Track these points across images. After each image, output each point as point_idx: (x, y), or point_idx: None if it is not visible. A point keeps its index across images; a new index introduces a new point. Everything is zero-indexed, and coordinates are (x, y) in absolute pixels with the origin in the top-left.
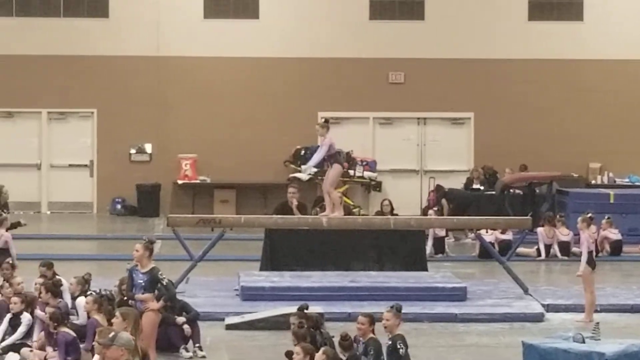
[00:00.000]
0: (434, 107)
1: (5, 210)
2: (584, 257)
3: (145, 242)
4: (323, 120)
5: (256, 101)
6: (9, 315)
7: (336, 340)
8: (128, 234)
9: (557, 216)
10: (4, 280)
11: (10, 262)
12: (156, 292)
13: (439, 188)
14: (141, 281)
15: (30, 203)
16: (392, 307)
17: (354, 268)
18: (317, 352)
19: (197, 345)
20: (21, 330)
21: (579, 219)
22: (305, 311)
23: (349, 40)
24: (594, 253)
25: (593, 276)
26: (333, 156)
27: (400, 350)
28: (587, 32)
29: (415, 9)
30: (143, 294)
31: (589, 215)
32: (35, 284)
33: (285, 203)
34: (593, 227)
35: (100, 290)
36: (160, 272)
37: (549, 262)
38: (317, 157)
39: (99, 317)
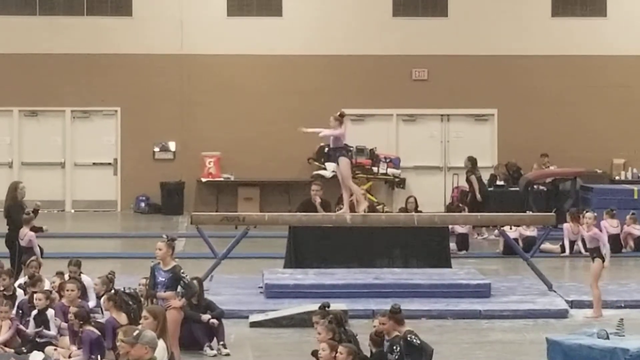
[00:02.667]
0: (458, 104)
1: (18, 206)
2: (607, 252)
3: (167, 240)
4: (338, 113)
5: (279, 99)
6: (34, 313)
7: (361, 337)
8: (152, 232)
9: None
10: (28, 278)
11: (36, 260)
12: (180, 289)
13: (472, 159)
14: (163, 279)
15: (54, 201)
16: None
17: (378, 265)
18: None
19: (221, 342)
20: (54, 327)
21: (589, 214)
22: (328, 309)
23: (372, 37)
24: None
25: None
26: (339, 150)
27: (415, 341)
28: (611, 28)
29: (439, 5)
30: (165, 292)
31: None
32: (52, 284)
33: (308, 200)
34: (615, 222)
35: (124, 288)
36: (182, 270)
37: (573, 258)
38: (327, 132)
39: (116, 315)
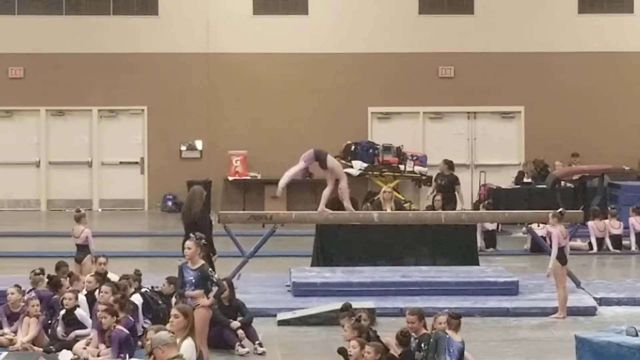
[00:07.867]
0: (484, 101)
1: (207, 214)
2: (554, 253)
3: (195, 239)
4: None
5: (306, 97)
6: (62, 312)
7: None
8: (179, 230)
9: (609, 208)
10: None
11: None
12: (212, 288)
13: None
14: (192, 278)
15: (82, 201)
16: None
17: (405, 263)
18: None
19: (257, 342)
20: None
21: (550, 214)
22: (352, 308)
23: (399, 35)
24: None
25: (564, 271)
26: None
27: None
28: (638, 25)
29: (465, 3)
30: (193, 290)
31: (560, 210)
32: (88, 283)
33: (336, 198)
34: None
35: (152, 287)
36: (210, 269)
37: (601, 255)
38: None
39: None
